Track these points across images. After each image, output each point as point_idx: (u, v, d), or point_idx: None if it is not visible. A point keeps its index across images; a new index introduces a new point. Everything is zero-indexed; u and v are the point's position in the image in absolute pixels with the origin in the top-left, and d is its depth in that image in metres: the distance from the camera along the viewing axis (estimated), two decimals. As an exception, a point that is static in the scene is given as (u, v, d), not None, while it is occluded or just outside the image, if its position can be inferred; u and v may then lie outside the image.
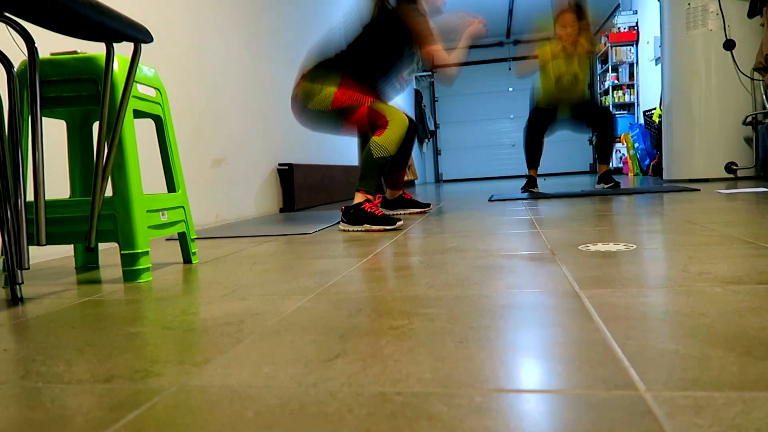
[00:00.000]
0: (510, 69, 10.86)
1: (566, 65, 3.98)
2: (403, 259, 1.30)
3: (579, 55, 3.96)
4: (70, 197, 1.49)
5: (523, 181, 7.15)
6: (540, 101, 4.16)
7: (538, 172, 10.66)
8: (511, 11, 9.12)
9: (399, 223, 1.99)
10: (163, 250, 1.83)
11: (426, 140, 10.34)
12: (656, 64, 6.75)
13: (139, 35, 1.13)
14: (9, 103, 1.05)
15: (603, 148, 4.07)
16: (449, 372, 0.56)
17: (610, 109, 7.97)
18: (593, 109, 4.01)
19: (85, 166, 1.54)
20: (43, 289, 1.22)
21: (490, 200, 3.36)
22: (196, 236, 1.65)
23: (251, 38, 3.34)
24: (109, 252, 1.88)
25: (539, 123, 4.11)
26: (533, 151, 4.16)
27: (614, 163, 7.86)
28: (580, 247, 1.31)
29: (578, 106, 4.04)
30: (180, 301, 1.00)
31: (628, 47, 7.68)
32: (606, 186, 3.93)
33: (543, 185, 5.31)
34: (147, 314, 0.90)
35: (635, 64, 7.67)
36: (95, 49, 1.99)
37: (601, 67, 8.76)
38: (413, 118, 3.09)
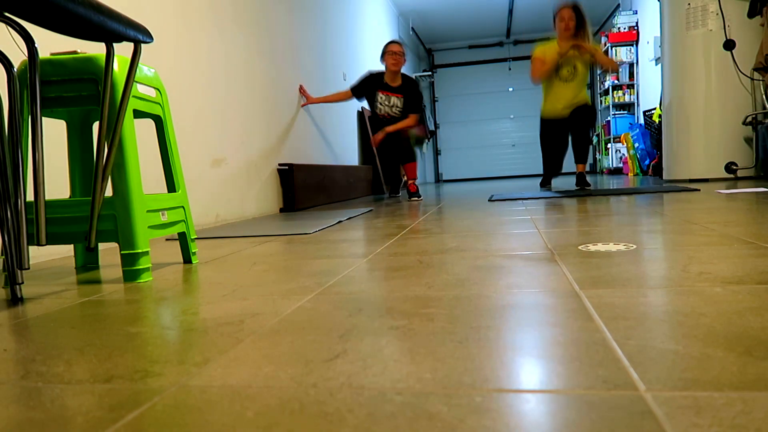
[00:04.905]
0: (510, 69, 10.85)
1: (565, 60, 4.01)
2: (403, 259, 1.30)
3: (579, 57, 3.99)
4: (70, 197, 1.49)
5: (524, 182, 7.17)
6: (544, 111, 4.20)
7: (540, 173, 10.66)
8: (511, 11, 9.12)
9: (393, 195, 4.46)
10: (163, 250, 1.83)
11: (426, 140, 10.34)
12: (656, 64, 6.75)
13: (139, 35, 1.13)
14: (9, 103, 1.05)
15: (577, 145, 4.10)
16: (449, 372, 0.56)
17: (609, 109, 7.98)
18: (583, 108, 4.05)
19: (85, 166, 1.54)
20: (43, 289, 1.22)
21: (490, 200, 3.36)
22: (196, 236, 1.65)
23: (252, 38, 3.34)
24: (109, 252, 1.88)
25: (548, 135, 4.22)
26: (547, 160, 4.30)
27: (614, 162, 7.86)
28: (580, 247, 1.31)
29: (578, 110, 4.04)
30: (180, 301, 1.00)
31: (628, 47, 7.67)
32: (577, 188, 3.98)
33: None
34: (147, 314, 0.90)
35: (635, 64, 7.67)
36: (95, 49, 1.99)
37: (602, 67, 8.75)
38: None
